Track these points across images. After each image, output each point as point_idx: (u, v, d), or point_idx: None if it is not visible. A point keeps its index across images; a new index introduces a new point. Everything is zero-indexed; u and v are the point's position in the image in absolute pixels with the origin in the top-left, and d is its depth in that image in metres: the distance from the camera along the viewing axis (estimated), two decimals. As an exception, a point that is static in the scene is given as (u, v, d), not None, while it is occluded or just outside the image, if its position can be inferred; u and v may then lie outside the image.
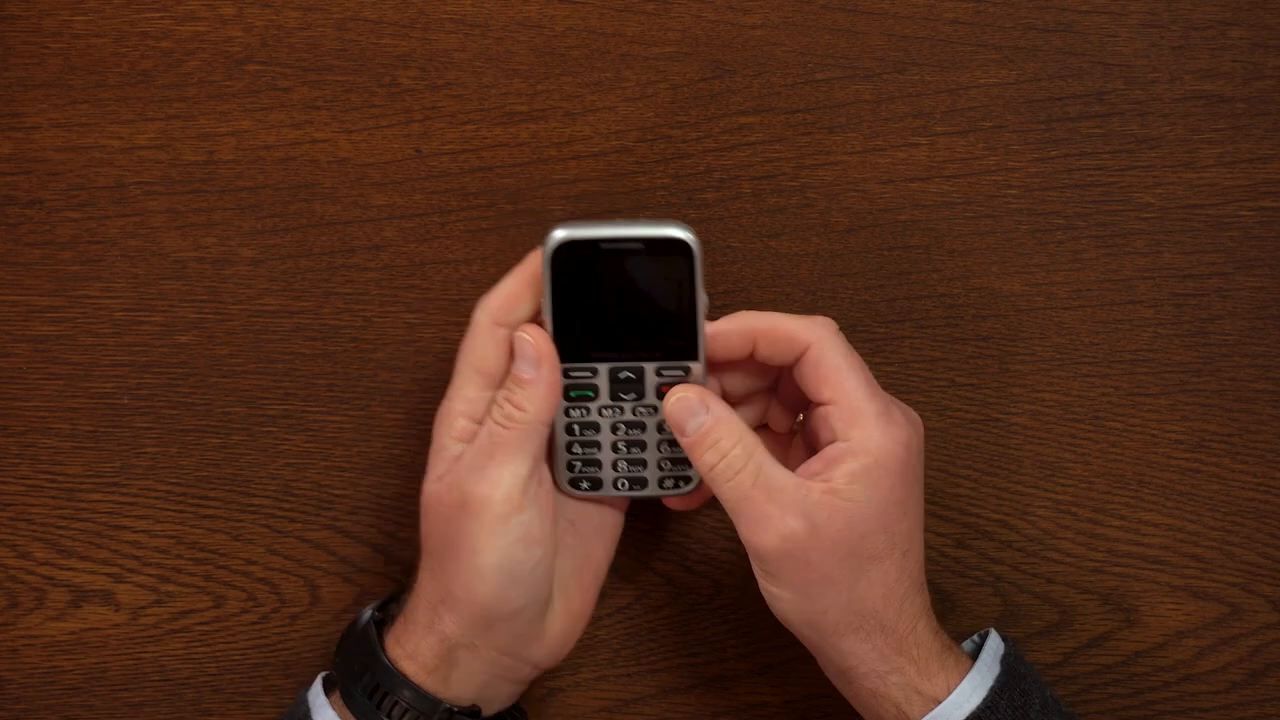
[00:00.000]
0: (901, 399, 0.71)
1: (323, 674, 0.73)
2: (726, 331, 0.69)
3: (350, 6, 0.77)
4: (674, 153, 0.78)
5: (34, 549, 0.79)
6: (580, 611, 0.73)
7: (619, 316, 0.69)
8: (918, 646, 0.69)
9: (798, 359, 0.69)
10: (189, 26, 0.77)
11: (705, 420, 0.68)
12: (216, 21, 0.77)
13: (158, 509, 0.79)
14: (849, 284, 0.78)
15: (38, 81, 0.77)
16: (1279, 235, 0.78)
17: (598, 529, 0.74)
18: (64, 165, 0.77)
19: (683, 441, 0.69)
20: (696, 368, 0.69)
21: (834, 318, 0.70)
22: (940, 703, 0.68)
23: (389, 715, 0.69)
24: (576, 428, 0.71)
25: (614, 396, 0.70)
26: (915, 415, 0.71)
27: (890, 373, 0.78)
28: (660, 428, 0.70)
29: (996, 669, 0.70)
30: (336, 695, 0.71)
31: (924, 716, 0.68)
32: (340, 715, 0.70)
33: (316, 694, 0.72)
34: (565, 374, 0.69)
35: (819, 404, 0.69)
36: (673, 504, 0.75)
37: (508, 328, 0.69)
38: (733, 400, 0.72)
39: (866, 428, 0.68)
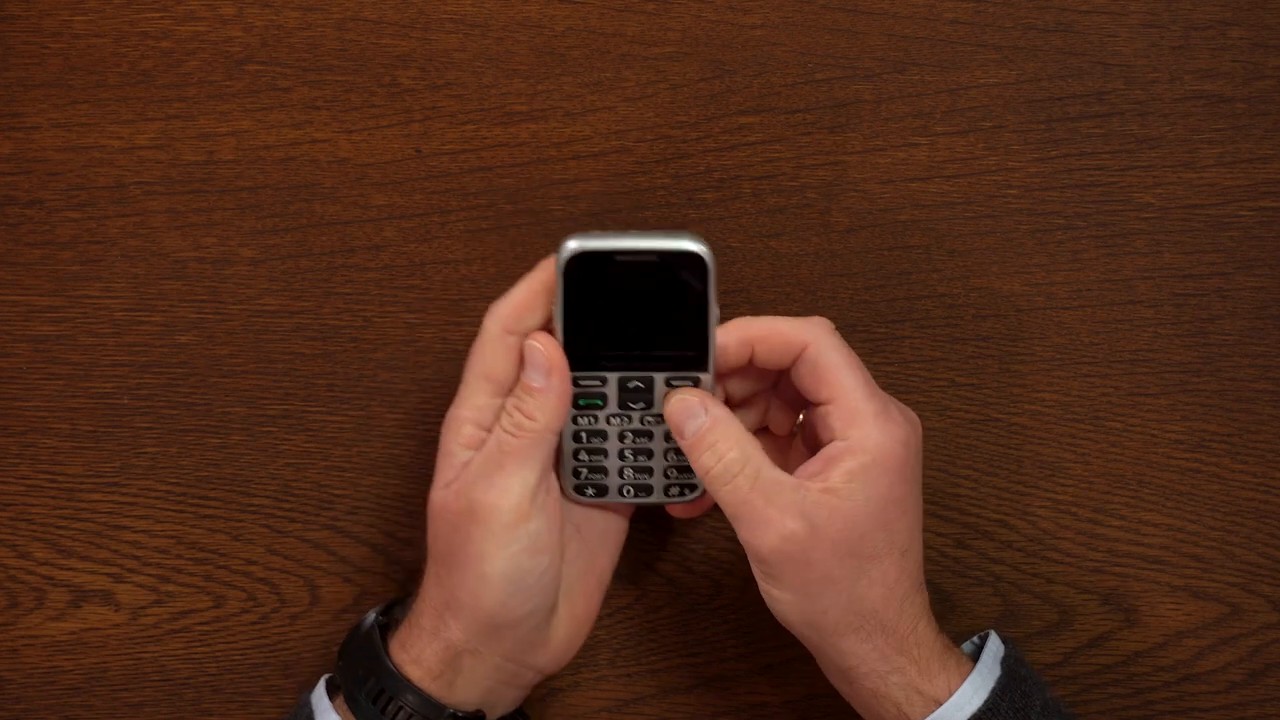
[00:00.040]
0: (901, 399, 0.71)
1: (326, 677, 0.73)
2: (725, 344, 0.69)
3: (350, 6, 0.77)
4: (674, 153, 0.78)
5: (34, 549, 0.79)
6: (585, 616, 0.73)
7: (631, 327, 0.68)
8: (918, 646, 0.69)
9: (795, 360, 0.69)
10: (189, 26, 0.77)
11: (704, 422, 0.68)
12: (216, 21, 0.77)
13: (158, 509, 0.79)
14: (849, 284, 0.78)
15: (38, 81, 0.77)
16: (1279, 235, 0.78)
17: (603, 534, 0.74)
18: (64, 165, 0.77)
19: (681, 444, 0.69)
20: (706, 378, 0.69)
21: (834, 318, 0.70)
22: (941, 704, 0.68)
23: None
24: (584, 435, 0.70)
25: (622, 405, 0.70)
26: (914, 415, 0.71)
27: (890, 373, 0.78)
28: (668, 436, 0.70)
29: (997, 671, 0.70)
30: (340, 699, 0.71)
31: (926, 718, 0.68)
32: (344, 719, 0.70)
33: (320, 697, 0.71)
34: (575, 382, 0.69)
35: (817, 404, 0.69)
36: (676, 512, 0.75)
37: (517, 336, 0.68)
38: (733, 403, 0.72)
39: (865, 427, 0.68)
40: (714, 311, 0.68)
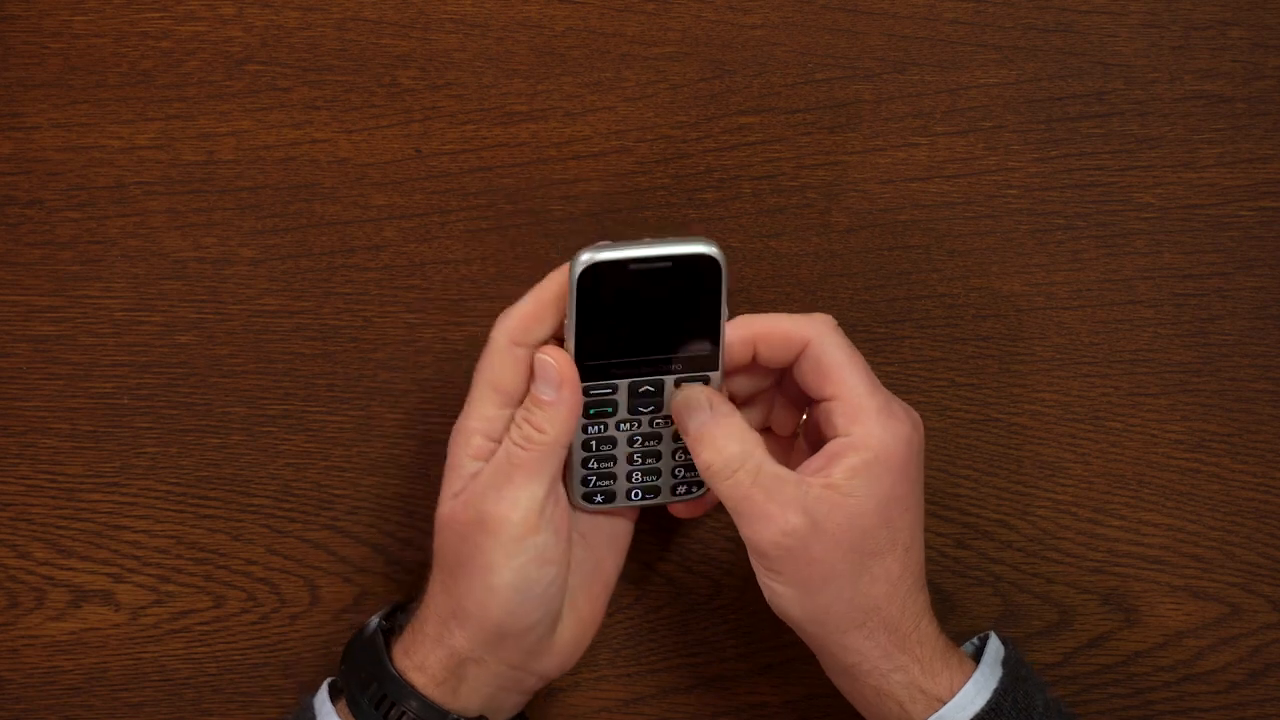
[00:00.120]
0: (901, 399, 0.71)
1: (328, 680, 0.73)
2: (728, 342, 0.69)
3: (350, 6, 0.77)
4: (674, 153, 0.78)
5: (34, 549, 0.79)
6: (590, 621, 0.73)
7: (643, 333, 0.68)
8: (921, 645, 0.69)
9: (797, 357, 0.69)
10: (189, 26, 0.77)
11: (707, 417, 0.68)
12: (216, 21, 0.77)
13: (158, 509, 0.79)
14: (849, 284, 0.78)
15: (38, 81, 0.77)
16: (1279, 235, 0.78)
17: (609, 540, 0.74)
18: (64, 165, 0.77)
19: (685, 440, 0.69)
20: (715, 377, 0.69)
21: (834, 318, 0.70)
22: (945, 703, 0.68)
23: None
24: (594, 444, 0.70)
25: (632, 410, 0.70)
26: (915, 413, 0.71)
27: (890, 373, 0.78)
28: (676, 437, 0.70)
29: (999, 671, 0.70)
30: (342, 703, 0.71)
31: (929, 716, 0.68)
32: (346, 724, 0.70)
33: (323, 700, 0.71)
34: (585, 392, 0.68)
35: (820, 400, 0.69)
36: (678, 511, 0.75)
37: (526, 348, 0.68)
38: (736, 402, 0.72)
39: (867, 423, 0.68)
40: (725, 312, 0.68)
